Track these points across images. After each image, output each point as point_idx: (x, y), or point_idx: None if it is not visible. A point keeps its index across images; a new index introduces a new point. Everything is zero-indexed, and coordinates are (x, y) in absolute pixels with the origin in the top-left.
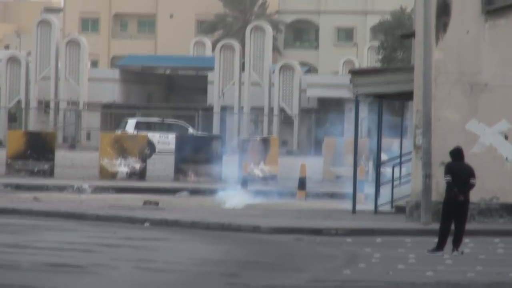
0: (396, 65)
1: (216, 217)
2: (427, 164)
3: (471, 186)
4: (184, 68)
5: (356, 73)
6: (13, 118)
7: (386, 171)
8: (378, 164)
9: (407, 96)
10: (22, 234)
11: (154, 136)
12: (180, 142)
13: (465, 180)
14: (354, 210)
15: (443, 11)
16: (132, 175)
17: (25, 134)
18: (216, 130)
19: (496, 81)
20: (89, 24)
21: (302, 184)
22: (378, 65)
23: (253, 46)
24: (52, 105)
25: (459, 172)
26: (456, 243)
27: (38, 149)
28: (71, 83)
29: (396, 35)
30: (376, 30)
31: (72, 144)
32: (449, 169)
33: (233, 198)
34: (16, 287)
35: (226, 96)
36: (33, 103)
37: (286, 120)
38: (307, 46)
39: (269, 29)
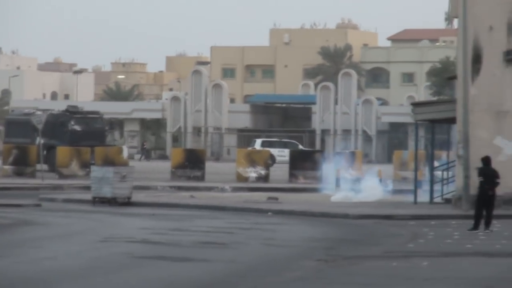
0: (444, 99)
1: (319, 207)
2: (466, 168)
3: (497, 184)
4: (295, 102)
5: (416, 105)
6: (175, 139)
7: (438, 173)
8: (431, 169)
9: (452, 120)
10: (182, 221)
11: (274, 151)
12: (293, 155)
13: (492, 179)
14: (415, 202)
15: (476, 60)
16: (259, 179)
17: (184, 151)
18: (318, 146)
19: None
20: (228, 73)
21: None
22: (431, 98)
23: (343, 86)
24: (202, 130)
25: (488, 174)
26: (487, 224)
27: (193, 161)
28: (216, 114)
29: (443, 77)
30: (430, 74)
31: (217, 157)
32: (481, 172)
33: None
34: (179, 258)
35: (325, 122)
36: (189, 129)
37: (366, 139)
38: (381, 86)
39: (354, 74)
